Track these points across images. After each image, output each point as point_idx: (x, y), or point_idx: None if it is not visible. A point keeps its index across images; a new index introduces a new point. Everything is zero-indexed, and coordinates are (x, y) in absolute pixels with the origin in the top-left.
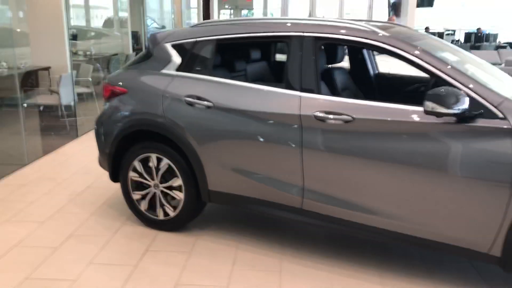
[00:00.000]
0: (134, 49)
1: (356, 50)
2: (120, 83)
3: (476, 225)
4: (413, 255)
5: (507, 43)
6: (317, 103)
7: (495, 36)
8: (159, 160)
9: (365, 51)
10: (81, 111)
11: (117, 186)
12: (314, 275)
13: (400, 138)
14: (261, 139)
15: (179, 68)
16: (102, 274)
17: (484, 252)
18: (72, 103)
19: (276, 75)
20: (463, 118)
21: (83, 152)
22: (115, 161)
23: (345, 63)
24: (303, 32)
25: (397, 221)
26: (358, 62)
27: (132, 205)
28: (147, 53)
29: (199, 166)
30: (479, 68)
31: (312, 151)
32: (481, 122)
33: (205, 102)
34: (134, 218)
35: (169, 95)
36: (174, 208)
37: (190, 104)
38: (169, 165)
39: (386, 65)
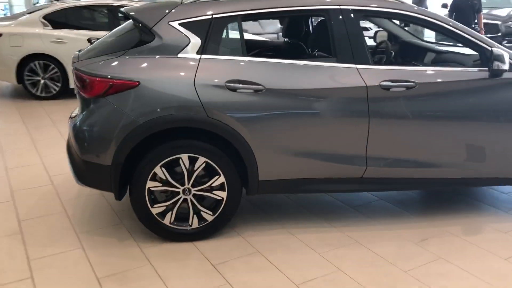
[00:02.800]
0: None
1: None
2: (126, 75)
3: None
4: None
5: None
6: (378, 73)
7: None
8: (192, 161)
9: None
10: None
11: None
12: (387, 237)
13: (458, 96)
14: (323, 116)
15: (201, 51)
16: None
17: None
18: None
19: (313, 50)
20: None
21: None
22: (122, 174)
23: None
24: (341, 5)
25: (457, 168)
26: None
27: (152, 222)
28: (143, 36)
29: (250, 157)
30: None
31: (378, 119)
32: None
33: (254, 86)
34: (149, 237)
35: (203, 83)
36: (213, 210)
37: (233, 90)
38: (206, 164)
39: None
